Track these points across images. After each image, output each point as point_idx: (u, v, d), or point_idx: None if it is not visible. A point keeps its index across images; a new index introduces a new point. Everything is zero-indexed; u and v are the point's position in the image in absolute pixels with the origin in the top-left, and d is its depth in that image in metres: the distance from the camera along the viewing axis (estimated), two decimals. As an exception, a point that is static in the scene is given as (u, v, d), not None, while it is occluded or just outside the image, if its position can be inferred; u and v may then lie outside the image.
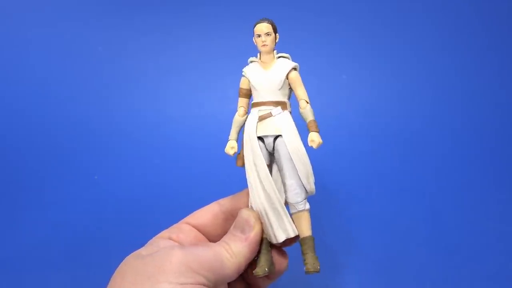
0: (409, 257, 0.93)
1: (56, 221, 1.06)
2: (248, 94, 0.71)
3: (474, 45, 1.34)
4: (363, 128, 1.26)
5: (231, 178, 0.91)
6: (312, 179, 0.66)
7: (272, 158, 0.69)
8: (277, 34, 0.70)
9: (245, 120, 0.69)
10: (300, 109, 0.68)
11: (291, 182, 0.66)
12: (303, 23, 1.32)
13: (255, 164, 0.66)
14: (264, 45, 0.68)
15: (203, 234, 0.70)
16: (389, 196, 1.12)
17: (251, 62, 0.71)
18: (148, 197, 1.08)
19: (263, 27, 0.68)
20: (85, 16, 1.32)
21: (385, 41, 1.35)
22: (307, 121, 0.67)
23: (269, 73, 0.69)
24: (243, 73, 0.70)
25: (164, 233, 0.67)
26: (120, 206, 1.09)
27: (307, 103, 0.68)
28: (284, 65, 0.69)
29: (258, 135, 0.67)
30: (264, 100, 0.68)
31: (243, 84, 0.71)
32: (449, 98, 1.31)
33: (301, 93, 0.69)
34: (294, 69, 0.69)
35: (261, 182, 0.66)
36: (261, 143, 0.67)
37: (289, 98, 0.70)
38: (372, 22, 1.34)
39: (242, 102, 0.71)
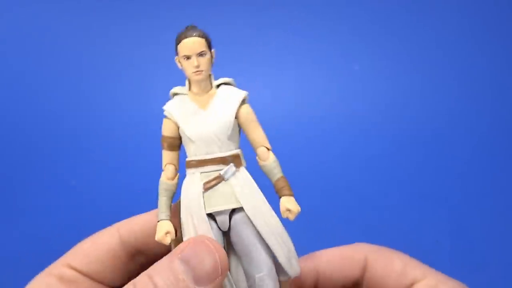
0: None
1: (28, 232, 1.07)
2: (177, 145, 0.58)
3: (509, 38, 1.35)
4: (378, 127, 1.27)
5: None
6: (295, 258, 0.55)
7: (226, 239, 0.57)
8: (212, 50, 0.57)
9: (176, 185, 0.57)
10: (260, 161, 0.57)
11: (261, 275, 0.54)
12: (310, 7, 1.33)
13: None
14: (198, 71, 0.56)
15: (97, 280, 0.58)
16: (408, 203, 1.13)
17: (175, 95, 0.58)
18: (133, 204, 1.05)
19: (194, 44, 0.56)
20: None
21: (404, 26, 1.35)
22: (274, 179, 0.56)
23: (210, 113, 0.56)
24: (165, 113, 0.57)
25: (38, 282, 0.55)
26: (101, 216, 1.03)
27: (269, 150, 0.57)
28: (229, 97, 0.57)
29: (208, 212, 0.55)
30: (207, 157, 0.56)
31: (167, 131, 0.57)
32: (476, 94, 1.31)
33: (259, 136, 0.57)
34: (243, 101, 0.57)
35: None
36: (212, 222, 0.55)
37: (238, 146, 0.58)
38: (389, 5, 1.36)
39: (169, 157, 0.57)
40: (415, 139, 1.27)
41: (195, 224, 0.54)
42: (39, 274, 0.55)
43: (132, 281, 0.49)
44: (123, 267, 0.59)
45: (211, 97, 0.57)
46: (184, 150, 0.57)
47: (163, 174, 0.56)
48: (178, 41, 0.55)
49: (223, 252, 0.51)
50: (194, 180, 0.55)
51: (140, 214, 0.60)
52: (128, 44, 1.32)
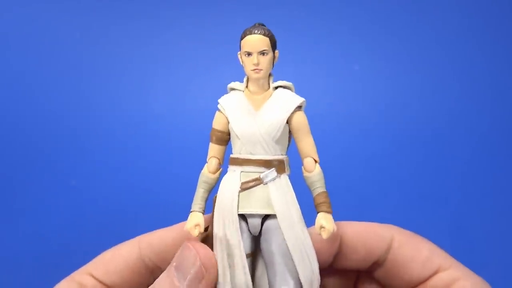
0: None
1: (28, 232, 1.07)
2: (225, 140, 0.57)
3: (509, 38, 1.35)
4: (378, 126, 1.27)
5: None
6: (318, 280, 0.53)
7: (256, 245, 0.56)
8: (276, 51, 0.57)
9: (217, 180, 0.57)
10: (305, 172, 0.55)
11: None
12: (310, 7, 1.33)
13: (228, 255, 0.53)
14: (257, 70, 0.55)
15: None
16: (408, 203, 1.13)
17: (232, 90, 0.58)
18: (133, 204, 1.09)
19: (257, 41, 0.55)
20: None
21: (404, 26, 1.35)
22: (315, 192, 0.54)
23: (261, 114, 0.55)
24: (218, 107, 0.56)
25: (61, 287, 0.56)
26: (101, 215, 1.09)
27: (316, 162, 0.55)
28: (285, 101, 0.56)
29: (240, 212, 0.54)
30: (251, 157, 0.55)
31: (218, 124, 0.56)
32: (476, 94, 1.30)
33: (309, 146, 0.56)
34: (299, 107, 0.56)
35: (234, 285, 0.52)
36: (242, 223, 0.55)
37: (286, 152, 0.58)
38: (388, 5, 1.35)
39: (215, 150, 0.57)
40: (415, 139, 1.27)
41: (225, 223, 0.53)
42: (63, 280, 0.57)
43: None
44: (141, 280, 0.59)
45: (267, 98, 0.56)
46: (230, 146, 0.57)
47: (206, 166, 0.56)
48: (242, 37, 0.55)
49: (206, 251, 0.51)
50: (233, 178, 0.55)
51: (161, 229, 0.59)
52: (128, 44, 1.32)
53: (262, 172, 0.54)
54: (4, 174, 1.18)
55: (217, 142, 0.56)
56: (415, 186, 1.20)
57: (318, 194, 0.54)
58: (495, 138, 1.27)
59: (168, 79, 1.30)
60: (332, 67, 1.34)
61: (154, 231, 0.59)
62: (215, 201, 0.54)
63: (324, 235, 0.51)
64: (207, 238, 0.55)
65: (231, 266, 0.52)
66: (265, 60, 0.55)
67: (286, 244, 0.52)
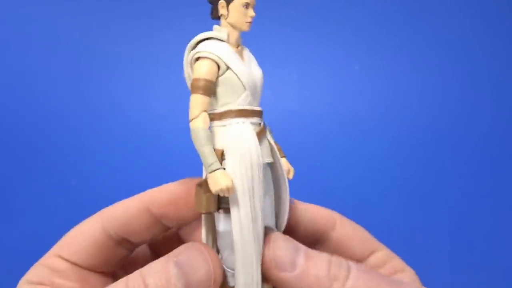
0: (429, 273, 0.92)
1: (27, 232, 1.07)
2: (213, 92, 0.54)
3: (509, 38, 1.35)
4: (378, 127, 1.28)
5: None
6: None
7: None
8: None
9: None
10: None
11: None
12: (310, 7, 1.33)
13: (255, 207, 0.52)
14: (251, 23, 0.55)
15: (88, 269, 0.58)
16: (408, 203, 1.15)
17: (206, 39, 0.55)
18: None
19: None
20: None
21: (404, 27, 1.35)
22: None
23: (250, 66, 0.56)
24: (205, 54, 0.53)
25: (32, 273, 0.55)
26: None
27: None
28: (253, 58, 0.58)
29: (264, 162, 0.54)
30: (255, 109, 0.55)
31: (210, 73, 0.53)
32: (476, 94, 1.31)
33: None
34: None
35: (257, 234, 0.52)
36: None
37: None
38: (389, 5, 1.35)
39: (206, 103, 0.53)
40: (415, 139, 1.28)
41: (254, 175, 0.52)
42: (32, 267, 0.56)
43: (125, 277, 0.49)
44: (111, 253, 0.58)
45: (241, 52, 0.56)
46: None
47: (200, 120, 0.51)
48: None
49: (218, 262, 0.50)
50: (248, 128, 0.53)
51: (122, 201, 0.58)
52: (128, 44, 1.32)
53: (260, 122, 0.55)
54: (4, 174, 1.18)
55: (207, 93, 0.52)
56: (415, 187, 1.21)
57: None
58: (495, 139, 1.28)
59: (168, 79, 1.29)
60: (332, 68, 1.34)
61: (115, 204, 0.58)
62: (223, 156, 0.52)
63: (291, 177, 0.56)
64: (208, 219, 0.54)
65: (253, 203, 0.52)
66: None
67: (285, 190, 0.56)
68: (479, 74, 1.34)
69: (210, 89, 0.52)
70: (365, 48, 1.34)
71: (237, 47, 0.55)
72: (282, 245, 0.51)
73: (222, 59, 0.52)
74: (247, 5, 0.54)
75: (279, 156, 0.55)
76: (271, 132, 0.57)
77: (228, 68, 0.53)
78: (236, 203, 0.51)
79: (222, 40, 0.54)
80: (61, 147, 1.22)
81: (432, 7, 1.36)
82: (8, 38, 1.29)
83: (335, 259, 0.51)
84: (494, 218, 1.13)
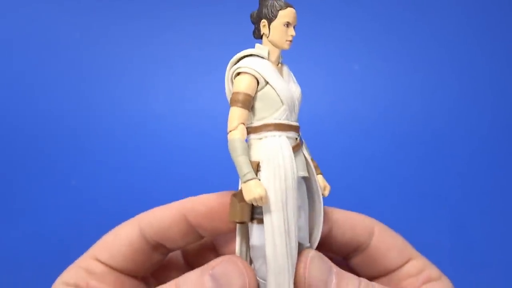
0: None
1: (27, 232, 1.07)
2: (251, 106, 0.55)
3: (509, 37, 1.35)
4: (377, 126, 1.28)
5: (227, 181, 0.80)
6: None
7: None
8: None
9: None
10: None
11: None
12: (310, 6, 1.32)
13: (292, 217, 0.53)
14: (291, 42, 0.57)
15: (123, 272, 0.59)
16: (408, 203, 1.15)
17: (250, 56, 0.57)
18: (133, 205, 1.01)
19: (295, 15, 0.57)
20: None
21: (403, 26, 1.35)
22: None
23: (289, 82, 0.58)
24: (245, 70, 0.55)
25: (68, 275, 0.56)
26: (101, 216, 1.07)
27: None
28: (293, 76, 0.60)
29: (299, 175, 0.55)
30: (291, 123, 0.56)
31: (249, 88, 0.55)
32: (476, 94, 1.31)
33: None
34: None
35: (289, 243, 0.53)
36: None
37: None
38: (388, 4, 1.35)
39: (244, 115, 0.54)
40: (415, 138, 1.28)
41: (288, 188, 0.53)
42: (68, 267, 0.57)
43: (160, 286, 0.51)
44: (146, 258, 0.59)
45: (281, 70, 0.58)
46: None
47: (238, 132, 0.53)
48: (280, 7, 0.56)
49: (254, 276, 0.51)
50: (284, 141, 0.55)
51: (160, 207, 0.59)
52: (128, 44, 1.31)
53: (296, 138, 0.56)
54: (3, 173, 1.19)
55: (246, 106, 0.54)
56: (415, 185, 1.21)
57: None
58: (495, 137, 1.28)
59: (168, 79, 1.30)
60: (332, 67, 1.35)
61: (153, 209, 0.60)
62: (258, 168, 0.53)
63: (326, 194, 0.58)
64: (242, 229, 0.55)
65: (287, 220, 0.53)
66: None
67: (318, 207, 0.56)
68: (478, 72, 1.34)
69: (249, 103, 0.54)
70: (365, 48, 1.34)
71: (277, 65, 0.57)
72: (317, 266, 0.52)
73: (262, 75, 0.54)
74: (287, 24, 0.56)
75: (314, 171, 0.56)
76: (307, 148, 0.58)
77: (267, 83, 0.55)
78: (270, 213, 0.52)
79: (263, 57, 0.56)
80: (61, 147, 1.22)
81: (432, 6, 1.37)
82: (7, 38, 1.29)
83: (364, 283, 0.53)
84: (494, 217, 1.13)
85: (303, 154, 0.56)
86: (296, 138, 0.56)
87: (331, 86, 1.32)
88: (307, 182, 0.57)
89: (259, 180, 0.52)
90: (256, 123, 0.55)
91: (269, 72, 0.55)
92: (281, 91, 0.55)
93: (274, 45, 0.57)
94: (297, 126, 0.56)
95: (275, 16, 0.56)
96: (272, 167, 0.53)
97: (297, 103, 0.57)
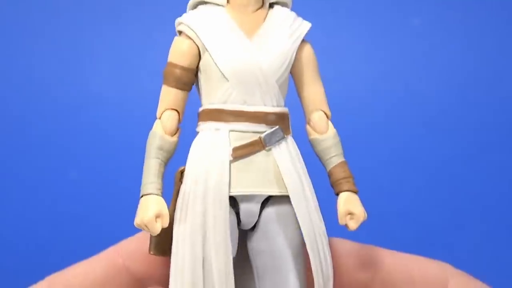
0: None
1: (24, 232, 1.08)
2: (190, 83, 0.47)
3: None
4: (450, 111, 1.19)
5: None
6: (331, 282, 0.47)
7: (243, 244, 0.49)
8: None
9: (176, 145, 0.48)
10: (314, 134, 0.49)
11: None
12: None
13: (204, 261, 0.44)
14: None
15: None
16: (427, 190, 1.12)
17: (201, 4, 0.48)
18: (132, 204, 1.03)
19: None
20: None
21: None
22: (331, 163, 0.48)
23: (259, 42, 0.47)
24: (180, 28, 0.47)
25: None
26: (99, 214, 1.05)
27: (328, 117, 0.49)
28: (289, 24, 0.48)
29: (233, 194, 0.45)
30: (245, 109, 0.46)
31: (182, 56, 0.46)
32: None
33: (319, 94, 0.49)
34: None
35: None
36: (231, 215, 0.46)
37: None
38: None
39: (173, 98, 0.47)
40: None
41: (207, 211, 0.43)
42: None
43: None
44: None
45: (261, 18, 0.47)
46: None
47: (158, 123, 0.46)
48: None
49: None
50: (217, 140, 0.45)
51: (81, 262, 0.54)
52: (126, 43, 1.21)
53: (263, 132, 0.45)
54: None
55: (178, 85, 0.46)
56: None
57: (336, 166, 0.47)
58: None
59: (111, 47, 1.20)
60: (383, 22, 1.23)
61: (71, 267, 0.54)
62: (180, 178, 0.46)
63: (353, 224, 0.46)
64: (161, 239, 0.47)
65: (207, 277, 0.43)
66: None
67: (300, 239, 0.45)
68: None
69: (179, 79, 0.46)
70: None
71: (252, 13, 0.47)
72: None
73: (199, 35, 0.45)
74: None
75: (296, 186, 0.45)
76: (294, 149, 0.47)
77: (206, 49, 0.46)
78: (175, 250, 0.44)
79: (218, 4, 0.47)
80: (57, 143, 1.16)
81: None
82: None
83: None
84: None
85: (271, 158, 0.46)
86: (259, 133, 0.46)
87: (380, 51, 1.21)
88: (273, 205, 0.47)
89: (160, 197, 0.44)
90: (200, 109, 0.48)
91: (210, 30, 0.46)
92: (221, 59, 0.45)
93: None
94: (263, 112, 0.46)
95: None
96: (191, 178, 0.44)
97: (263, 74, 0.45)
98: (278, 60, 0.45)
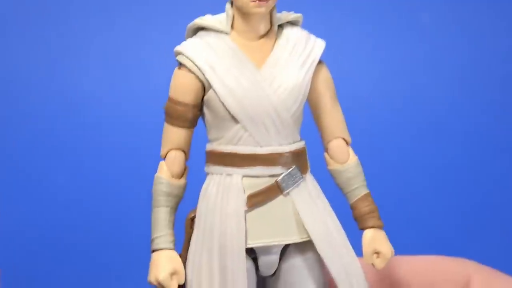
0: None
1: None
2: (194, 120, 0.45)
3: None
4: (460, 108, 1.18)
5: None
6: None
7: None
8: None
9: (185, 188, 0.46)
10: (334, 164, 0.46)
11: None
12: None
13: None
14: (262, 1, 0.43)
15: None
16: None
17: (202, 30, 0.46)
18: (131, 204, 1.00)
19: None
20: None
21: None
22: (355, 195, 0.46)
23: (269, 72, 0.44)
24: (180, 60, 0.44)
25: None
26: (97, 214, 1.02)
27: (348, 144, 0.47)
28: (303, 47, 0.45)
29: (250, 246, 0.43)
30: (259, 152, 0.43)
31: (184, 92, 0.43)
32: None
33: (338, 121, 0.46)
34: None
35: None
36: (248, 262, 0.44)
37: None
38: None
39: (177, 137, 0.45)
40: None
41: (225, 266, 0.41)
42: None
43: None
44: None
45: (271, 44, 0.44)
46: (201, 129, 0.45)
47: (163, 166, 0.44)
48: None
49: None
50: (230, 187, 0.42)
51: None
52: (126, 41, 1.18)
53: (279, 175, 0.43)
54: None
55: (182, 123, 0.43)
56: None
57: (360, 199, 0.45)
58: None
59: (105, 45, 1.18)
60: (392, 18, 1.23)
61: None
62: (190, 225, 0.44)
63: (380, 263, 0.44)
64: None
65: None
66: None
67: (325, 282, 0.44)
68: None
69: (182, 117, 0.43)
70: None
71: (259, 39, 0.44)
72: None
73: (203, 71, 0.42)
74: None
75: (320, 229, 0.43)
76: (315, 187, 0.45)
77: (211, 86, 0.42)
78: None
79: (220, 31, 0.44)
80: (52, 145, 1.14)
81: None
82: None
83: None
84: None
85: (290, 202, 0.43)
86: (275, 176, 0.43)
87: (389, 47, 1.21)
88: (295, 252, 0.45)
89: (173, 251, 0.43)
90: (208, 146, 0.45)
91: (217, 64, 0.42)
92: (229, 98, 0.41)
93: (239, 8, 0.44)
94: (279, 154, 0.43)
95: None
96: (203, 229, 0.42)
97: (276, 110, 0.42)
98: (292, 94, 0.43)
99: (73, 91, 1.16)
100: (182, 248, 0.45)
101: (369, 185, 0.88)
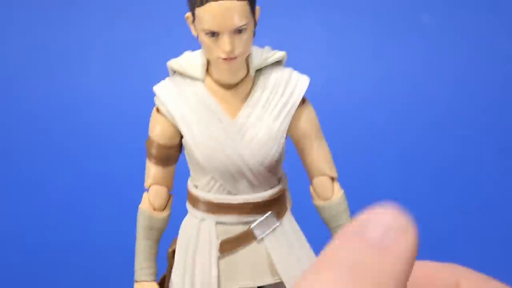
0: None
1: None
2: (173, 158, 0.45)
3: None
4: (458, 109, 1.20)
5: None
6: None
7: None
8: (256, 10, 0.43)
9: (167, 220, 0.46)
10: (318, 200, 0.45)
11: None
12: None
13: None
14: (230, 59, 0.41)
15: None
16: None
17: (176, 72, 0.45)
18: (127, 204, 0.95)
19: (226, 13, 0.40)
20: None
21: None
22: (338, 229, 0.46)
23: (243, 125, 0.43)
24: (158, 106, 0.44)
25: None
26: (95, 214, 1.02)
27: (333, 180, 0.46)
28: (281, 93, 0.44)
29: None
30: (231, 201, 0.43)
31: (162, 135, 0.44)
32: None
33: (322, 158, 0.45)
34: (303, 98, 0.46)
35: None
36: None
37: (282, 165, 0.48)
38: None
39: (158, 174, 0.45)
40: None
41: None
42: None
43: None
44: None
45: (246, 92, 0.43)
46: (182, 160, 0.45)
47: (145, 199, 0.44)
48: (199, 3, 0.40)
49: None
50: (203, 233, 0.43)
51: None
52: (125, 40, 1.21)
53: (251, 222, 0.43)
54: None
55: (160, 162, 0.43)
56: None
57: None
58: None
59: (105, 47, 1.20)
60: (392, 19, 1.25)
61: None
62: (172, 256, 0.45)
63: None
64: None
65: None
66: (242, 41, 0.40)
67: None
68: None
69: (159, 156, 0.43)
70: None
71: (234, 86, 0.42)
72: None
73: (175, 120, 0.42)
74: (212, 34, 0.40)
75: (294, 272, 0.43)
76: (295, 231, 0.46)
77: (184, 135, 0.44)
78: None
79: (194, 78, 0.43)
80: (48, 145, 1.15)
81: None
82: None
83: None
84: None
85: (263, 248, 0.43)
86: (247, 223, 0.43)
87: (389, 50, 1.23)
88: None
89: (153, 283, 0.44)
90: (188, 182, 0.46)
91: (189, 114, 0.42)
92: (200, 153, 0.42)
93: (209, 59, 0.43)
94: (252, 203, 0.42)
95: (194, 16, 0.41)
96: (183, 266, 0.43)
97: (248, 165, 0.42)
98: (265, 147, 0.42)
99: (73, 91, 1.18)
100: (165, 279, 0.46)
101: (368, 185, 0.87)
